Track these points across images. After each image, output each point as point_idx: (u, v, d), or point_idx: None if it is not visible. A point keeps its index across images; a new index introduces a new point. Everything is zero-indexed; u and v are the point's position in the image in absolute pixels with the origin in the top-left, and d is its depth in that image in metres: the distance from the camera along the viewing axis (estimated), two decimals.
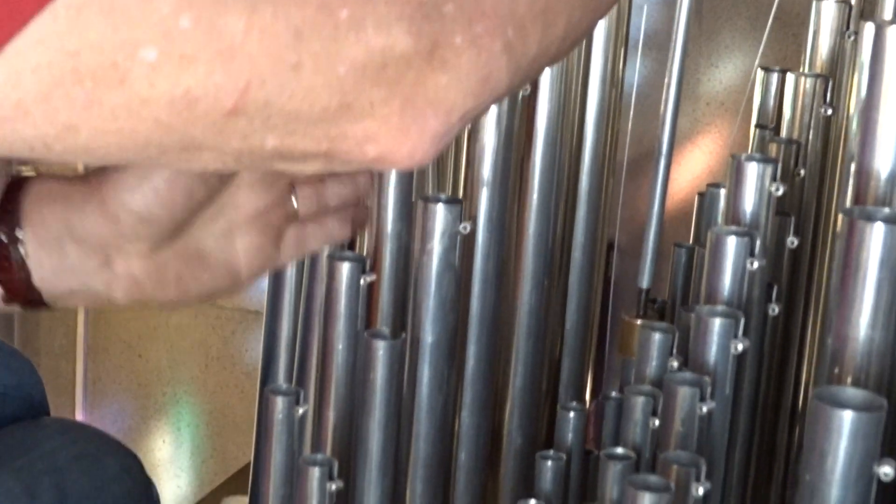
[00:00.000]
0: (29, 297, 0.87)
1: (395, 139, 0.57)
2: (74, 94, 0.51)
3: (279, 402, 0.78)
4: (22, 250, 0.86)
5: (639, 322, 1.04)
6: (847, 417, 0.58)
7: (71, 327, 2.19)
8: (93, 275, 0.87)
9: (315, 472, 0.75)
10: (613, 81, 1.08)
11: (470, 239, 0.89)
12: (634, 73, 1.56)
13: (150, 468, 2.27)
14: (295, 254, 0.85)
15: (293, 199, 0.91)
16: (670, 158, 1.05)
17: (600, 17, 0.67)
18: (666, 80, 1.07)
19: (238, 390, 2.11)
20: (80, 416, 2.18)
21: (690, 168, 1.97)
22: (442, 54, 0.56)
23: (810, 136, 0.98)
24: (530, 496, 0.86)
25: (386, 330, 0.82)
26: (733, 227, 0.80)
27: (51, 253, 0.87)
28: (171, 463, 2.26)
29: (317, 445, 0.85)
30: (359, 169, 0.60)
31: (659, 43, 1.91)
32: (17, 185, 0.88)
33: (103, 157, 0.54)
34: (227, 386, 2.13)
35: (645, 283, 1.06)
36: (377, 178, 0.85)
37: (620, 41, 1.07)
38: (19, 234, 0.86)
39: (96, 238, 0.85)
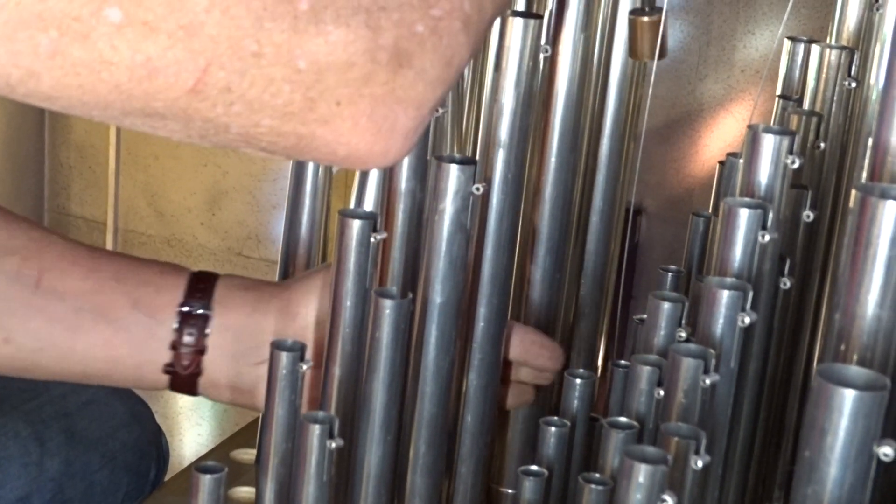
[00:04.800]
0: (190, 374, 0.94)
1: (367, 140, 0.56)
2: (38, 41, 0.51)
3: (283, 358, 0.78)
4: (206, 329, 0.94)
5: (645, 18, 1.01)
6: (849, 396, 0.57)
7: None
8: (249, 369, 0.91)
9: (315, 430, 0.75)
10: None
11: (484, 200, 0.88)
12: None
13: (171, 417, 2.28)
14: None
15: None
16: None
17: None
18: None
19: None
20: None
21: (721, 135, 1.96)
22: (405, 47, 0.55)
23: (833, 109, 0.97)
24: (534, 462, 0.86)
25: (394, 289, 0.82)
26: (746, 199, 0.79)
27: (229, 339, 0.95)
28: (192, 411, 2.27)
29: (321, 403, 0.85)
30: (332, 165, 0.60)
31: (696, 7, 1.89)
32: (208, 276, 0.96)
33: (66, 107, 0.55)
34: None
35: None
36: None
37: (647, 3, 1.05)
38: (209, 313, 0.93)
39: (266, 335, 0.93)
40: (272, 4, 0.53)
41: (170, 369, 0.94)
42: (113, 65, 0.52)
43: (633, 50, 1.04)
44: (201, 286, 0.94)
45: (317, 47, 0.54)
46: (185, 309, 0.93)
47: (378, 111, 0.56)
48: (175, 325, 0.93)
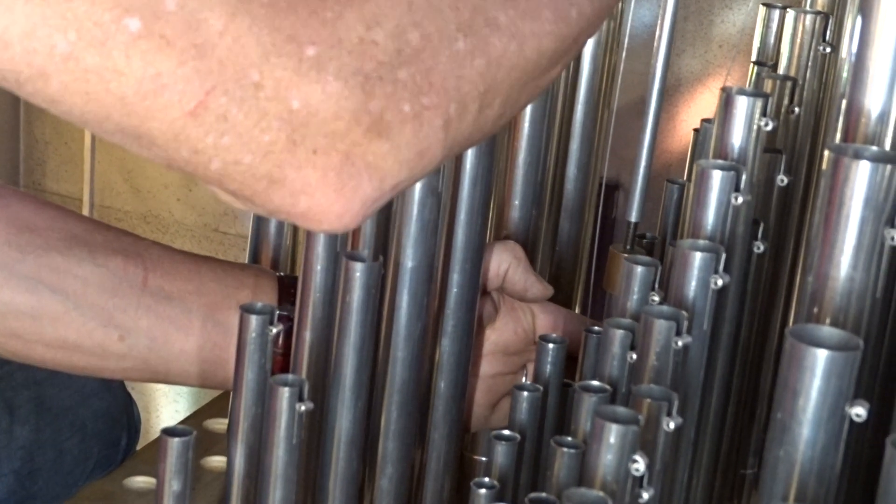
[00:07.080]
0: None
1: (328, 196, 0.58)
2: (56, 41, 0.52)
3: (252, 321, 0.77)
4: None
5: (624, 256, 1.03)
6: (821, 356, 0.57)
7: None
8: None
9: (285, 393, 0.74)
10: (612, 14, 1.07)
11: (457, 165, 0.88)
12: (643, 8, 1.54)
13: (149, 393, 2.27)
14: (505, 423, 0.89)
15: (525, 373, 0.98)
16: (663, 88, 1.03)
17: (536, 97, 0.68)
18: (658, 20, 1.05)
19: None
20: None
21: (698, 110, 1.96)
22: (388, 120, 0.58)
23: (807, 75, 0.97)
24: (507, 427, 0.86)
25: (365, 252, 0.81)
26: (719, 161, 0.78)
27: None
28: (169, 388, 2.26)
29: (292, 366, 0.85)
30: (285, 220, 0.61)
31: None
32: (295, 279, 0.93)
33: (65, 113, 0.56)
34: None
35: (634, 216, 1.05)
36: None
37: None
38: None
39: None
40: (281, 42, 0.55)
41: None
42: (123, 75, 0.53)
43: (608, 282, 1.05)
44: (292, 290, 0.94)
45: (313, 92, 0.56)
46: (284, 313, 0.92)
47: (346, 169, 0.57)
48: None
